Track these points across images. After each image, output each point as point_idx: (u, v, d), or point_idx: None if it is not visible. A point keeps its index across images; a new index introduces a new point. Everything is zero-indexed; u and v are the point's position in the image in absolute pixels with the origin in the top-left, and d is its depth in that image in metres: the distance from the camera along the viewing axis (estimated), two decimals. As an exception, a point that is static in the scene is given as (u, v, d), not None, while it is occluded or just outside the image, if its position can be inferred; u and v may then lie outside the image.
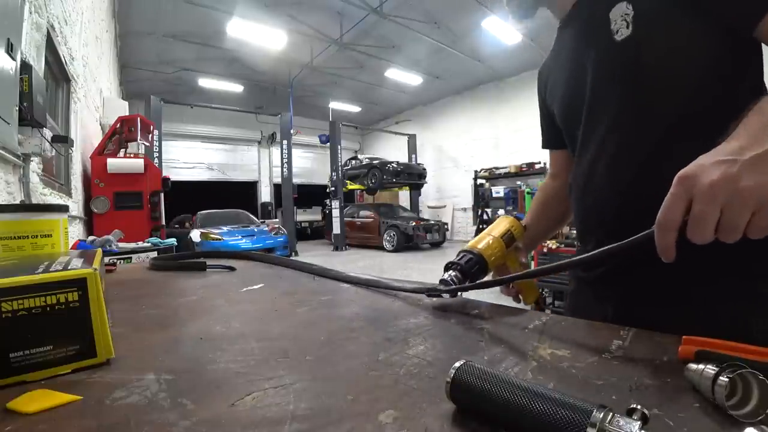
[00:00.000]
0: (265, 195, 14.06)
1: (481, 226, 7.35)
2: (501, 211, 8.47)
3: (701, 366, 0.31)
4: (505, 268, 0.72)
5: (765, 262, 0.52)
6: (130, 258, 2.63)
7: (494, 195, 9.74)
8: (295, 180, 10.57)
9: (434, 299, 0.65)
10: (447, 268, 0.65)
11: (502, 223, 0.72)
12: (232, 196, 12.74)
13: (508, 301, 0.76)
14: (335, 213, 10.06)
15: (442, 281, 0.63)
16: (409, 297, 0.70)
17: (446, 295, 0.64)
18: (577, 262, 0.49)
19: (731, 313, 0.52)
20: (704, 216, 0.36)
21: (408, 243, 9.32)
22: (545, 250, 3.49)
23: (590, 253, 0.46)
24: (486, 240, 0.68)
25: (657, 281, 0.58)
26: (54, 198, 2.51)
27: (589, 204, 0.68)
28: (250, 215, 9.31)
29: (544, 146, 0.90)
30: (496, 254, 0.67)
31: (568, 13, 0.69)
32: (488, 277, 0.68)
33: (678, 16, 0.53)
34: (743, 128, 0.40)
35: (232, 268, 0.96)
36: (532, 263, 3.64)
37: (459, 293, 0.64)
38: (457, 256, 0.67)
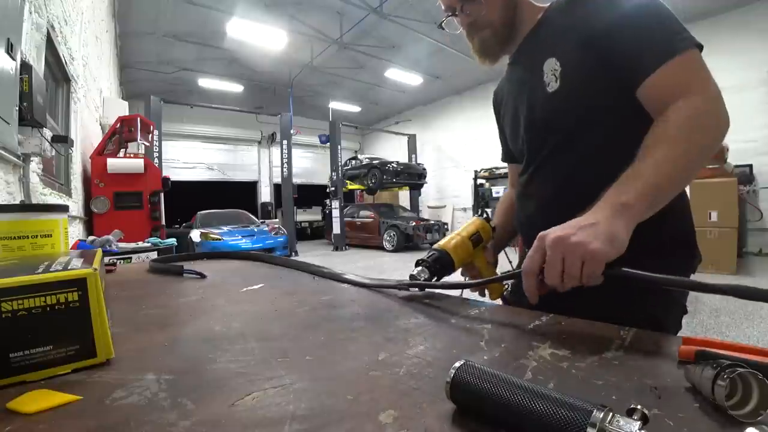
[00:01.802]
0: (265, 195, 14.04)
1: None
2: (501, 211, 8.45)
3: (701, 366, 0.31)
4: (472, 265, 0.80)
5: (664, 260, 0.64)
6: (130, 258, 2.63)
7: (494, 195, 9.71)
8: (295, 180, 10.54)
9: (408, 291, 0.72)
10: (417, 264, 0.72)
11: (471, 225, 0.80)
12: (232, 196, 12.72)
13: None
14: (335, 213, 10.04)
15: (412, 276, 0.70)
16: (409, 297, 0.70)
17: (415, 289, 0.72)
18: (502, 277, 0.64)
19: (621, 304, 0.63)
20: (552, 261, 0.50)
21: (408, 243, 9.30)
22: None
23: (494, 277, 0.68)
24: (454, 240, 0.75)
25: None
26: (54, 198, 2.51)
27: (522, 218, 0.84)
28: (250, 215, 9.29)
29: (503, 159, 1.03)
30: (461, 250, 0.75)
31: (513, 54, 0.83)
32: (457, 272, 0.79)
33: (595, 73, 0.66)
34: (596, 206, 0.54)
35: (203, 275, 0.92)
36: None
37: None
38: (427, 253, 0.74)
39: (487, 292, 0.83)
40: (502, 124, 0.95)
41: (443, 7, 0.83)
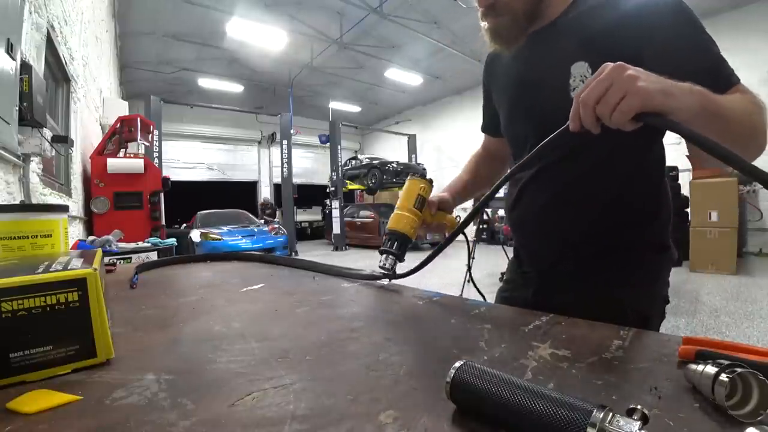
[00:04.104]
0: (265, 195, 14.05)
1: (481, 227, 7.36)
2: (501, 212, 8.44)
3: (701, 366, 0.31)
4: (424, 224, 0.86)
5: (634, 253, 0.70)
6: (130, 258, 2.63)
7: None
8: (295, 180, 10.53)
9: (386, 280, 0.81)
10: (382, 253, 0.81)
11: (410, 191, 0.84)
12: (232, 196, 12.72)
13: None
14: (335, 213, 10.04)
15: (383, 267, 0.79)
16: (408, 297, 0.70)
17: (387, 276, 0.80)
18: (509, 175, 0.64)
19: (610, 298, 0.68)
20: (600, 82, 0.46)
21: (408, 243, 9.30)
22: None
23: (522, 160, 0.61)
24: (403, 218, 0.82)
25: (559, 279, 0.76)
26: (54, 198, 2.51)
27: (515, 219, 0.84)
28: (250, 215, 9.29)
29: (484, 130, 1.02)
30: (413, 224, 0.82)
31: (533, 35, 0.74)
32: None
33: None
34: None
35: (132, 287, 0.83)
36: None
37: (396, 268, 0.81)
38: (385, 242, 0.81)
39: (446, 232, 0.91)
40: (492, 100, 0.92)
41: None
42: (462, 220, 0.71)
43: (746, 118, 0.53)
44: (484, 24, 0.75)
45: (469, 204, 1.26)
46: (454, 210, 0.95)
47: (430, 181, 0.86)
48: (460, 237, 0.93)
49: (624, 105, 0.44)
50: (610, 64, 0.47)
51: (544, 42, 0.73)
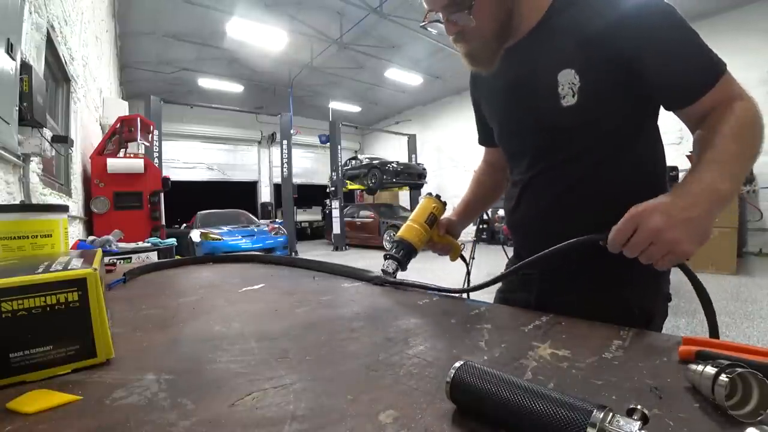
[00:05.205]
0: (265, 195, 14.03)
1: (480, 226, 7.37)
2: (501, 212, 8.44)
3: (701, 366, 0.31)
4: (431, 242, 0.91)
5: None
6: (130, 258, 2.63)
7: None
8: (295, 180, 10.52)
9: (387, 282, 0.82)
10: (386, 258, 0.84)
11: (425, 207, 0.89)
12: (232, 196, 12.72)
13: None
14: (335, 213, 10.03)
15: (384, 271, 0.83)
16: (408, 297, 0.70)
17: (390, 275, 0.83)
18: (536, 258, 0.63)
19: (615, 297, 0.68)
20: (638, 244, 0.53)
21: (408, 243, 9.27)
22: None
23: (546, 251, 0.62)
24: (414, 229, 0.86)
25: (561, 279, 0.76)
26: (54, 198, 2.51)
27: (516, 221, 0.84)
28: (250, 215, 9.30)
29: (481, 143, 1.03)
30: (422, 238, 0.86)
31: (511, 48, 0.74)
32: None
33: (615, 93, 0.66)
34: (689, 189, 0.54)
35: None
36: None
37: (396, 274, 0.84)
38: (392, 247, 0.86)
39: (449, 255, 0.95)
40: (482, 112, 0.93)
41: (425, 6, 0.71)
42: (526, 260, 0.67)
43: (751, 147, 0.57)
44: (458, 48, 0.74)
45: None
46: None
47: (444, 204, 0.90)
48: (462, 237, 0.93)
49: (667, 262, 0.52)
50: (647, 226, 0.51)
51: (526, 52, 0.72)
